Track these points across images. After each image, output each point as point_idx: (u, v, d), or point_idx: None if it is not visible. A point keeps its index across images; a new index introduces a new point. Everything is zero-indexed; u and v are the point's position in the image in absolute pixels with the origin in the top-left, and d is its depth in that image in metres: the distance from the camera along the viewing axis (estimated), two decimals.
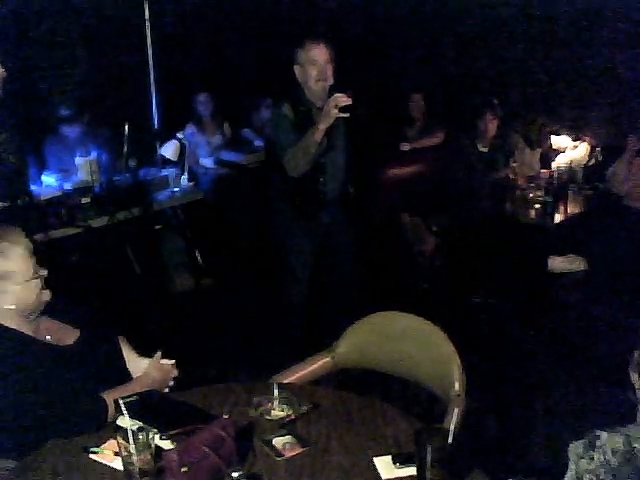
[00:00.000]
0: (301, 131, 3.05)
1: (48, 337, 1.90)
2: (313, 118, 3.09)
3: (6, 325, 1.81)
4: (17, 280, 1.82)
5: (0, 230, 1.86)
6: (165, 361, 2.05)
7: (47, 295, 1.91)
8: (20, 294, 1.83)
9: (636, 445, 1.24)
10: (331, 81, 3.07)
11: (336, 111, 2.88)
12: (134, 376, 2.01)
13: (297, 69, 3.12)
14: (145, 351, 2.09)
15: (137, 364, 2.05)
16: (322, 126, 2.94)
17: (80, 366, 1.86)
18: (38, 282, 1.87)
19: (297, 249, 3.34)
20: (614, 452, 1.25)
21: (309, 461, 1.61)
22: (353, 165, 3.30)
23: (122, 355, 2.06)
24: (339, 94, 2.90)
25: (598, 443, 1.26)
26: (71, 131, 4.52)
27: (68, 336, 1.95)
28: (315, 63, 3.06)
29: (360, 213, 3.63)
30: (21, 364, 1.75)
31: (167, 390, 2.05)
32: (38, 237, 3.01)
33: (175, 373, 2.07)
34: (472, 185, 4.60)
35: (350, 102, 2.89)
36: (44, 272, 1.89)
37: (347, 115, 2.90)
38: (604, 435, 1.26)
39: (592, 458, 1.26)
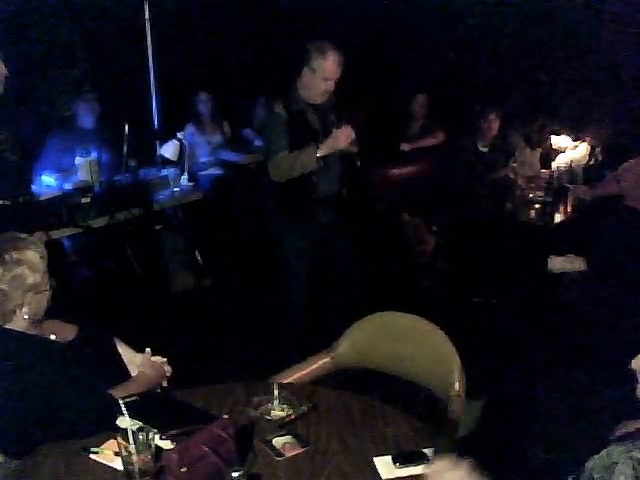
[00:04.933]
0: (294, 131, 3.03)
1: (53, 336, 1.91)
2: (307, 117, 3.08)
3: (12, 328, 1.81)
4: (37, 291, 1.82)
5: (20, 239, 1.84)
6: (155, 358, 2.06)
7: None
8: (36, 304, 1.83)
9: None
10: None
11: (344, 145, 2.92)
12: (131, 371, 2.02)
13: (307, 73, 3.04)
14: (143, 350, 2.10)
15: (133, 359, 2.06)
16: (323, 152, 2.96)
17: (84, 361, 1.87)
18: (50, 293, 1.87)
19: (294, 249, 3.32)
20: None
21: (309, 461, 1.61)
22: (348, 166, 3.29)
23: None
24: (347, 128, 2.91)
25: None
26: (71, 131, 4.52)
27: (68, 333, 1.97)
28: (330, 79, 3.02)
29: (359, 213, 3.63)
30: (30, 363, 1.75)
31: (159, 389, 2.06)
32: (40, 236, 3.00)
33: (168, 370, 2.08)
34: (472, 185, 4.60)
35: (354, 137, 2.95)
36: (54, 282, 1.89)
37: (355, 150, 2.94)
38: None
39: None
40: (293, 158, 3.00)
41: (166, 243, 4.70)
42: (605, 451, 1.21)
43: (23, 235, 1.87)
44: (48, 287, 1.86)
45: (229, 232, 4.94)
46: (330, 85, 3.04)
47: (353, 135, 2.94)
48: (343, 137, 2.91)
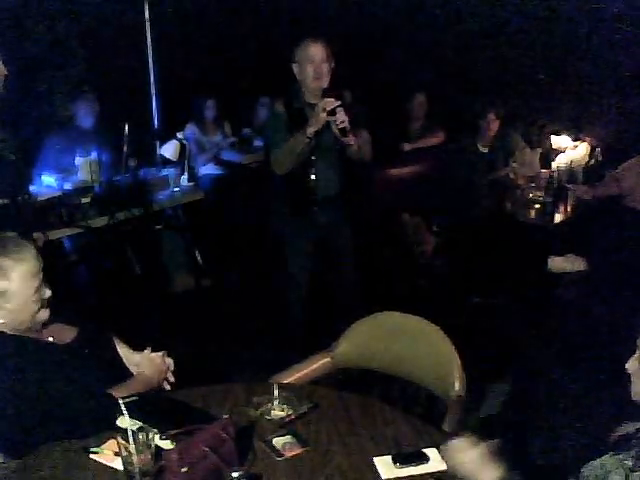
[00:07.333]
0: (294, 129, 3.06)
1: (50, 338, 1.90)
2: (307, 116, 3.09)
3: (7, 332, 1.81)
4: (14, 300, 1.75)
5: (7, 246, 1.79)
6: (155, 354, 2.04)
7: (45, 314, 1.86)
8: (14, 313, 1.77)
9: None
10: (327, 80, 3.08)
11: (325, 115, 2.91)
12: (132, 371, 2.02)
13: (295, 67, 3.13)
14: (143, 350, 2.09)
15: (132, 359, 2.06)
16: (311, 129, 2.97)
17: (83, 362, 1.86)
18: (37, 303, 1.81)
19: (295, 248, 3.35)
20: None
21: (309, 461, 1.61)
22: (346, 165, 3.28)
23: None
24: (328, 99, 2.93)
25: None
26: (71, 131, 4.52)
27: (67, 334, 1.96)
28: (312, 62, 3.06)
29: (359, 213, 3.63)
30: (28, 366, 1.74)
31: (167, 386, 2.06)
32: (37, 237, 3.00)
33: (169, 362, 2.07)
34: (472, 185, 4.60)
35: (339, 104, 2.91)
36: (47, 293, 1.84)
37: (336, 118, 2.92)
38: None
39: None
40: (285, 146, 3.06)
41: (166, 243, 4.71)
42: (599, 461, 1.29)
43: (13, 240, 1.82)
44: (33, 298, 1.78)
45: (229, 232, 4.94)
46: (318, 69, 3.05)
47: (335, 103, 2.94)
48: (324, 107, 2.92)
